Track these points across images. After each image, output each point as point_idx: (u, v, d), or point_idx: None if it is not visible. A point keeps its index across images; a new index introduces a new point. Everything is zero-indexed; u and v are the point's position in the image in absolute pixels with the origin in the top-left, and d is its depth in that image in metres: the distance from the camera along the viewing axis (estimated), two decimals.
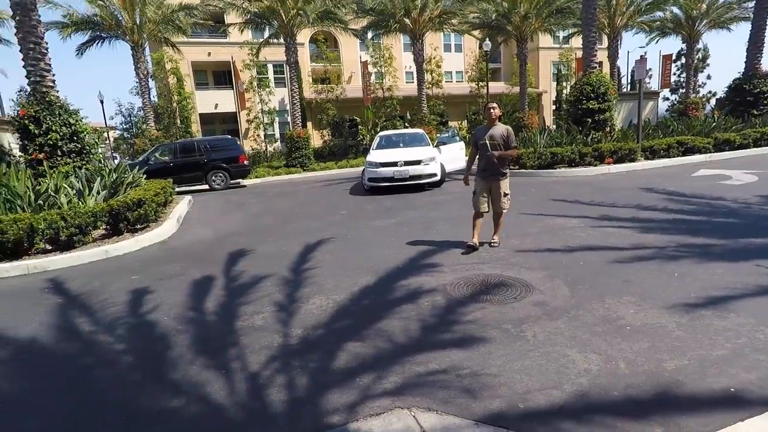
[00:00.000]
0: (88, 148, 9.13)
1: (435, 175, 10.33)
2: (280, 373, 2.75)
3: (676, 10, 25.36)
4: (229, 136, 15.95)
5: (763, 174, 9.07)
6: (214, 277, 4.85)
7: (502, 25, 22.35)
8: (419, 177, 10.17)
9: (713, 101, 29.57)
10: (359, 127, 25.11)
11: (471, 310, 3.45)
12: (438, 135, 15.83)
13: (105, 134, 24.83)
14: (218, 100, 26.22)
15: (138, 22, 17.71)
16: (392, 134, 12.81)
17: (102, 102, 24.70)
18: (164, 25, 18.49)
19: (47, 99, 8.72)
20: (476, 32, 24.40)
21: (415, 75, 22.59)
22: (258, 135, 25.77)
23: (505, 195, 5.06)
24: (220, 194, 13.24)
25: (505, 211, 5.14)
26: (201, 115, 25.76)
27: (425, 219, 7.10)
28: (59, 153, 8.72)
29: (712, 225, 5.54)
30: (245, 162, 14.49)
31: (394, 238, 5.99)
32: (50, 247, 6.21)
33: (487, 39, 22.60)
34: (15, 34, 8.88)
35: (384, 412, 2.29)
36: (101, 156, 8.69)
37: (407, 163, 10.14)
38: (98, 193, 7.41)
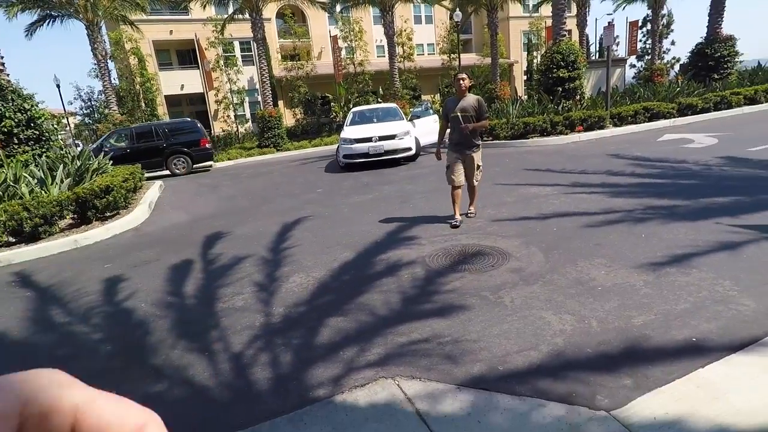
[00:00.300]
0: (47, 134, 8.68)
1: (410, 149, 10.29)
2: (263, 352, 2.77)
3: None
4: (189, 119, 15.19)
5: (723, 136, 9.42)
6: (191, 261, 4.77)
7: None
8: (394, 151, 10.11)
9: (677, 67, 30.21)
10: (332, 104, 24.67)
11: (450, 280, 3.52)
12: (412, 109, 15.72)
13: (64, 120, 23.60)
14: (184, 81, 25.15)
15: None
16: (365, 110, 12.63)
17: (58, 86, 23.32)
18: (120, 1, 17.44)
19: None
20: (446, 2, 24.02)
21: (386, 49, 22.16)
22: (228, 116, 25.00)
23: (478, 167, 5.02)
24: (192, 178, 12.89)
25: (477, 183, 5.14)
26: (167, 96, 24.71)
27: (402, 193, 7.12)
28: (16, 141, 8.27)
29: (676, 187, 5.76)
30: (207, 145, 13.89)
31: (371, 213, 6.00)
32: (14, 240, 5.96)
33: (458, 9, 22.27)
34: None
35: (368, 382, 2.34)
36: (62, 143, 8.27)
37: (382, 138, 10.05)
38: (62, 181, 7.09)
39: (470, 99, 4.85)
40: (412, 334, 2.78)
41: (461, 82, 4.84)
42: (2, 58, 8.67)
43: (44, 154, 8.29)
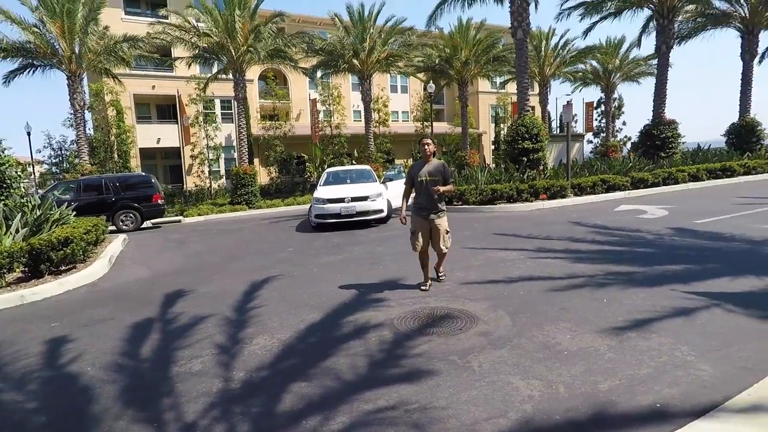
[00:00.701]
0: (9, 182, 8.39)
1: (382, 211, 10.45)
2: (219, 422, 2.59)
3: (595, 63, 28.83)
4: (144, 173, 14.90)
5: (672, 209, 10.11)
6: (148, 320, 4.53)
7: (445, 70, 23.90)
8: (366, 213, 10.24)
9: (629, 144, 32.90)
10: (307, 164, 25.18)
11: (418, 344, 3.47)
12: (385, 172, 16.21)
13: (29, 168, 22.94)
14: (161, 135, 25.31)
15: (77, 52, 16.90)
16: (340, 170, 12.93)
17: (29, 134, 22.98)
18: (106, 56, 17.79)
19: None
20: (421, 75, 25.81)
21: (362, 114, 23.30)
22: (202, 171, 25.02)
23: (447, 232, 4.94)
24: (158, 233, 12.57)
25: (447, 249, 5.00)
26: (142, 149, 24.67)
27: (372, 255, 7.14)
28: None
29: (633, 254, 6.05)
30: (160, 201, 13.54)
31: (341, 274, 5.96)
32: None
33: (431, 81, 23.96)
34: None
35: None
36: (24, 191, 7.98)
37: (354, 199, 10.20)
38: (17, 231, 6.77)
39: (436, 163, 4.89)
40: (379, 401, 2.68)
41: (426, 147, 4.88)
42: None
43: (2, 202, 7.96)
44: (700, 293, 4.20)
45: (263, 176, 25.25)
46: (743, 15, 19.75)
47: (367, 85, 21.89)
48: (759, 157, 18.09)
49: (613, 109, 32.79)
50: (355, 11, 20.98)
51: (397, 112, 33.57)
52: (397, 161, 28.68)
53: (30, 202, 7.85)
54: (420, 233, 4.90)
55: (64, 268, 6.63)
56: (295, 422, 2.52)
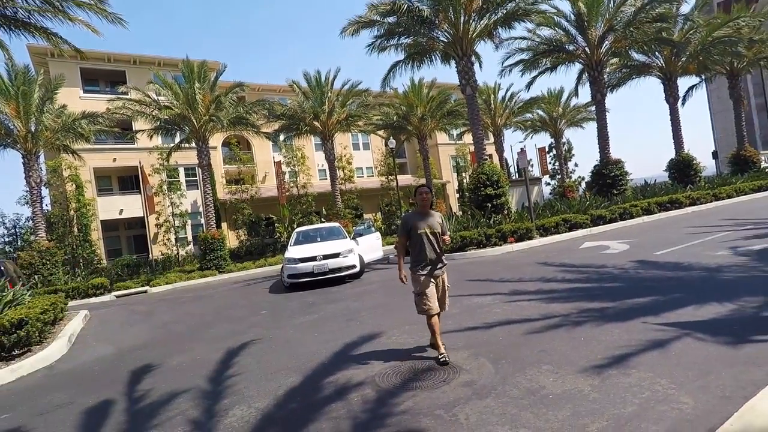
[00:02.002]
0: None
1: (354, 266, 10.43)
2: None
3: (541, 112, 31.19)
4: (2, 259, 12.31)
5: (633, 242, 10.61)
6: (112, 401, 4.20)
7: (403, 126, 25.05)
8: (339, 269, 10.18)
9: (583, 184, 34.78)
10: (276, 225, 25.02)
11: (402, 400, 3.38)
12: (354, 227, 16.30)
13: None
14: (124, 206, 24.68)
15: (33, 130, 16.63)
16: (309, 229, 12.94)
17: None
18: (64, 133, 17.56)
19: None
20: (381, 132, 26.84)
21: (327, 172, 23.71)
22: (168, 239, 24.31)
23: (448, 288, 4.46)
24: (123, 305, 11.93)
25: (447, 308, 4.49)
26: (103, 221, 23.89)
27: (348, 311, 7.03)
28: None
29: (603, 290, 6.24)
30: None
31: (318, 333, 5.81)
32: None
33: (392, 137, 24.98)
34: None
35: None
36: None
37: (326, 257, 10.17)
38: None
39: (435, 214, 4.40)
40: None
41: (426, 196, 4.34)
42: None
43: None
44: (670, 324, 4.34)
45: (232, 240, 24.81)
46: (660, 65, 22.17)
47: (330, 144, 22.52)
48: (700, 188, 19.50)
49: (564, 152, 35.02)
50: (312, 78, 22.05)
51: (362, 167, 34.39)
52: (365, 215, 28.96)
53: None
54: (429, 292, 4.20)
55: (17, 352, 6.13)
56: None
